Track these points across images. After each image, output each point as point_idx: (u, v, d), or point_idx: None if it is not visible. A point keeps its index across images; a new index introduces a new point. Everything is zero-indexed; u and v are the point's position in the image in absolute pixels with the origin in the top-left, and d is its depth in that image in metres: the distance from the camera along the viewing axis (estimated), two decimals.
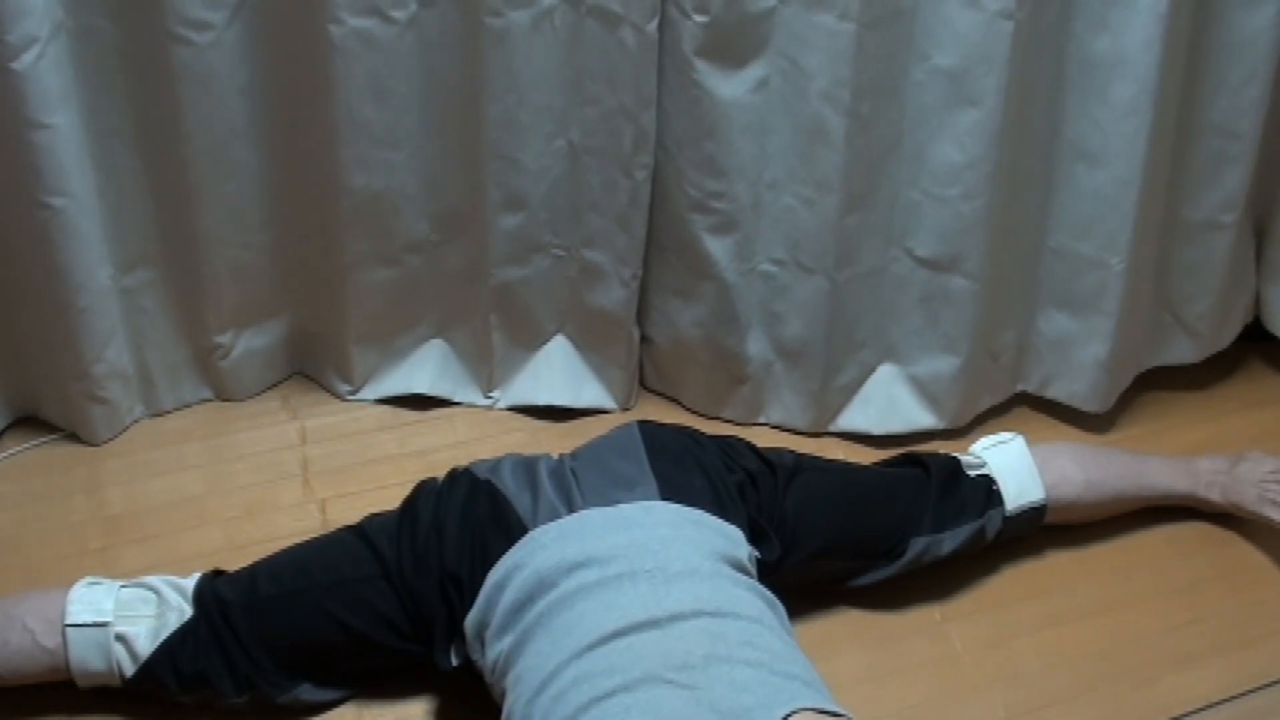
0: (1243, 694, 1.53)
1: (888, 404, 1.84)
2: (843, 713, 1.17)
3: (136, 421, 1.80)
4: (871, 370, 1.85)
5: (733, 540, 1.38)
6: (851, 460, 1.69)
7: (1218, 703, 1.51)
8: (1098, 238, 1.74)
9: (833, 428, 1.86)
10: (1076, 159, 1.71)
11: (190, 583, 1.41)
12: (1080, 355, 1.83)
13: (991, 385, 1.89)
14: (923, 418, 1.84)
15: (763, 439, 1.68)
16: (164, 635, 1.36)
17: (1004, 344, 1.86)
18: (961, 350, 1.80)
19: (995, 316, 1.81)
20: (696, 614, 1.24)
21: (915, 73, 1.63)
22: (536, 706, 1.20)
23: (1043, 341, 1.86)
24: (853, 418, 1.85)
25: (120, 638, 1.36)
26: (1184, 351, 1.93)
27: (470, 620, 1.34)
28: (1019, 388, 1.92)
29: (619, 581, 1.27)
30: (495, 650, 1.30)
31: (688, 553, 1.32)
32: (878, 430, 1.84)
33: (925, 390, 1.83)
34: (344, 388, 1.85)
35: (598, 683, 1.18)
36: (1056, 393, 1.89)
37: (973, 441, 1.66)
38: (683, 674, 1.18)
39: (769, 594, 1.35)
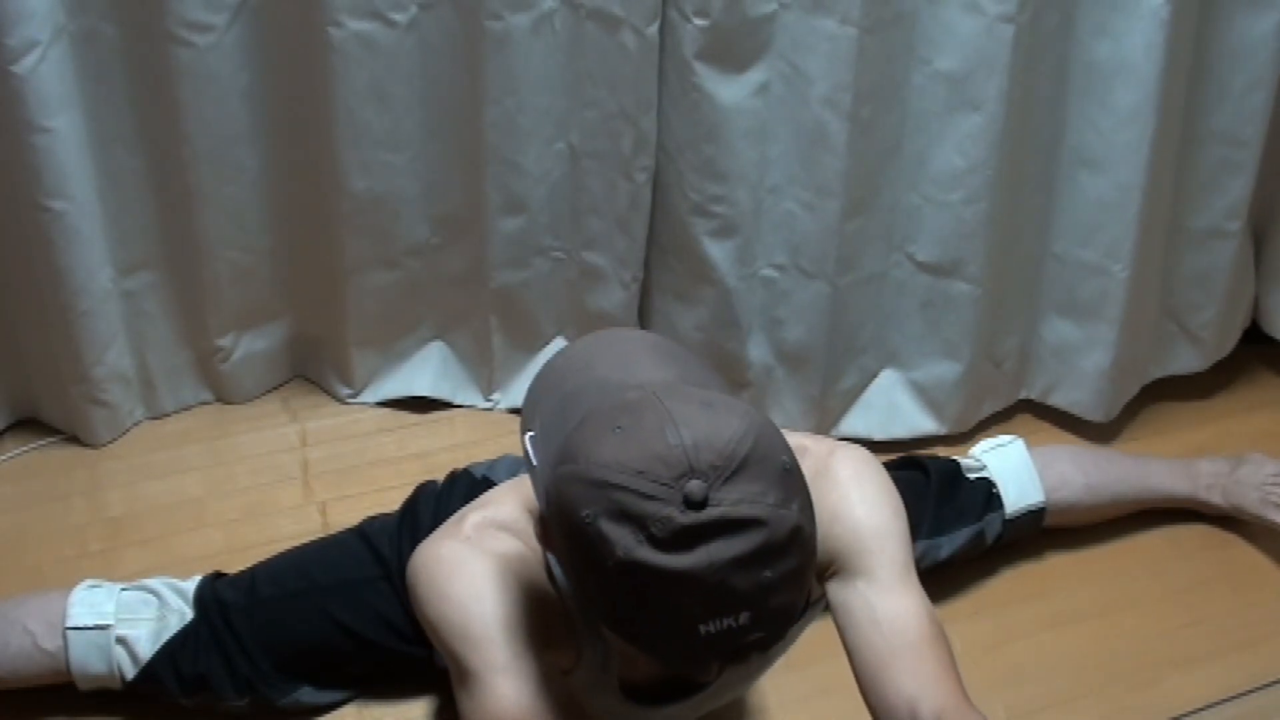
0: (1243, 694, 1.53)
1: (889, 410, 1.84)
2: None
3: (137, 424, 1.80)
4: (873, 376, 1.84)
5: None
6: None
7: (1218, 703, 1.52)
8: (1100, 244, 1.73)
9: (834, 433, 1.85)
10: (1078, 165, 1.70)
11: (191, 585, 1.41)
12: (1083, 363, 1.82)
13: (994, 391, 1.88)
14: (924, 423, 1.84)
15: None
16: (165, 638, 1.36)
17: (1007, 350, 1.85)
18: (963, 356, 1.79)
19: (997, 322, 1.81)
20: None
21: (916, 77, 1.62)
22: None
23: (1045, 349, 1.86)
24: (854, 423, 1.85)
25: (121, 640, 1.36)
26: (1189, 361, 1.91)
27: None
28: (1022, 394, 1.91)
29: None
30: None
31: None
32: (879, 436, 1.84)
33: (927, 396, 1.83)
34: (344, 390, 1.85)
35: None
36: (1059, 400, 1.88)
37: (974, 447, 1.66)
38: None
39: None
